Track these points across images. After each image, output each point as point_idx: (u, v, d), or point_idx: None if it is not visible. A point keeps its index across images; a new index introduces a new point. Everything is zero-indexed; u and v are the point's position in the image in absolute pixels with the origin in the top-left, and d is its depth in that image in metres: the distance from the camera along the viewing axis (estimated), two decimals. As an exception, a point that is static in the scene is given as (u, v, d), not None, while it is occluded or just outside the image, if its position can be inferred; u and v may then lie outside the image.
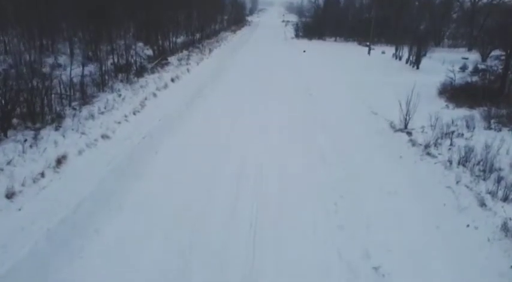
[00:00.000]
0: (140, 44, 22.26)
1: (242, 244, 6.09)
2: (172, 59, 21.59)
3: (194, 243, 6.11)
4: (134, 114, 12.37)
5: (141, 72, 17.19)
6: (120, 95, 13.46)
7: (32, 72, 11.20)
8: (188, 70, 20.21)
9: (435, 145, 9.66)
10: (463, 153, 8.79)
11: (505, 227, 6.28)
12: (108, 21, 18.46)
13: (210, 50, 28.00)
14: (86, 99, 12.36)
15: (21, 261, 5.53)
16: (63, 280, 5.36)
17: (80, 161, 8.83)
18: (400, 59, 29.16)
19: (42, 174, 7.86)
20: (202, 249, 5.99)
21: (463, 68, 23.15)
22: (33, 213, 6.77)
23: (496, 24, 27.20)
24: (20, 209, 6.86)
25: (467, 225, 6.60)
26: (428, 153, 9.30)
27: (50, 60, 16.69)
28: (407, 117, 11.07)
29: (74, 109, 11.37)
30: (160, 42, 22.84)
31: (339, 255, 5.84)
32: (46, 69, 13.73)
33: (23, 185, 7.38)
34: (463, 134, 10.46)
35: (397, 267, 5.68)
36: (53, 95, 11.45)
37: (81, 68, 13.64)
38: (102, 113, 11.59)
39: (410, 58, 27.44)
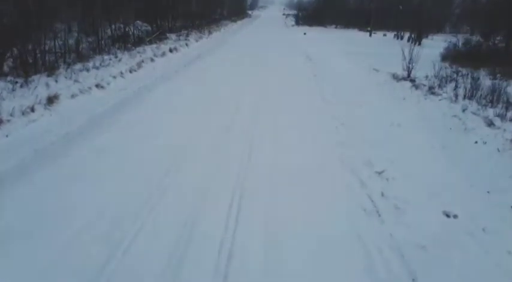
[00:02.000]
0: (139, 22, 22.00)
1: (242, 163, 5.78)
2: (171, 36, 21.33)
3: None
4: (130, 72, 12.11)
5: (138, 42, 16.94)
6: (116, 57, 13.22)
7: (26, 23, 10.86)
8: (187, 45, 19.96)
9: (439, 86, 9.33)
10: (469, 89, 8.47)
11: (516, 140, 5.95)
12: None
13: (210, 32, 27.73)
14: (81, 58, 12.11)
15: (6, 171, 5.27)
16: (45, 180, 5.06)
17: (72, 102, 8.56)
18: (401, 38, 28.88)
19: (32, 109, 7.59)
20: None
21: (466, 43, 22.82)
22: (21, 139, 6.51)
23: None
24: (7, 136, 6.61)
25: (475, 142, 6.27)
26: (433, 93, 8.97)
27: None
28: (410, 66, 10.74)
29: (68, 64, 11.12)
30: (159, 22, 22.65)
31: (340, 162, 5.53)
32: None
33: (11, 115, 7.11)
34: (467, 77, 10.11)
35: (401, 175, 5.34)
36: (46, 55, 11.25)
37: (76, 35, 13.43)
38: (97, 68, 11.31)
39: (412, 36, 27.18)
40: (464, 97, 8.26)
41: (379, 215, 4.16)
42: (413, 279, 3.19)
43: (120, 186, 4.76)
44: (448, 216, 4.39)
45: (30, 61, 10.10)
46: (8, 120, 7.00)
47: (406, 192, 4.81)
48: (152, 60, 14.47)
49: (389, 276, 3.19)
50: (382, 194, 4.65)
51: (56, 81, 9.22)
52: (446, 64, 15.63)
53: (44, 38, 11.08)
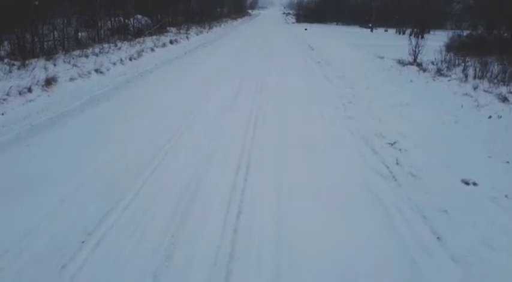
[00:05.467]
0: (139, 16, 21.80)
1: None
2: (172, 29, 21.13)
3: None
4: (130, 60, 11.86)
5: (138, 34, 16.73)
6: (116, 45, 13.00)
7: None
8: (187, 37, 19.75)
9: (448, 69, 9.09)
10: (478, 70, 8.24)
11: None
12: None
13: (210, 27, 27.54)
14: (79, 46, 11.88)
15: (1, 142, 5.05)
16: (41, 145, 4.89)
17: (71, 85, 8.32)
18: (403, 33, 28.65)
19: (29, 89, 7.35)
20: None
21: (470, 35, 22.57)
22: (16, 117, 6.26)
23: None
24: (3, 114, 6.37)
25: (489, 117, 6.03)
26: (441, 74, 8.73)
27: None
28: (417, 50, 10.50)
29: (67, 50, 10.90)
30: (159, 16, 22.46)
31: (351, 133, 5.30)
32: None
33: (7, 94, 6.88)
34: (475, 62, 9.87)
35: (414, 147, 5.09)
36: (44, 43, 11.01)
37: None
38: (97, 54, 11.10)
39: (415, 30, 26.91)
40: (475, 77, 8.02)
41: (396, 180, 3.91)
42: (438, 238, 2.94)
43: (117, 150, 4.65)
44: (467, 183, 4.14)
45: (28, 47, 9.90)
46: (4, 99, 6.75)
47: (420, 162, 4.57)
48: (152, 50, 14.24)
49: (412, 234, 2.95)
50: (397, 162, 4.41)
51: (54, 64, 9.00)
52: (452, 53, 15.46)
53: (42, 28, 10.88)
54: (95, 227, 2.96)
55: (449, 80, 8.21)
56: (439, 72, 8.88)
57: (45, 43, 10.84)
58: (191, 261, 2.62)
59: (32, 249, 2.67)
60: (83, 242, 2.75)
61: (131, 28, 17.21)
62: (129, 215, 3.18)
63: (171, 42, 16.94)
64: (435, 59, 10.17)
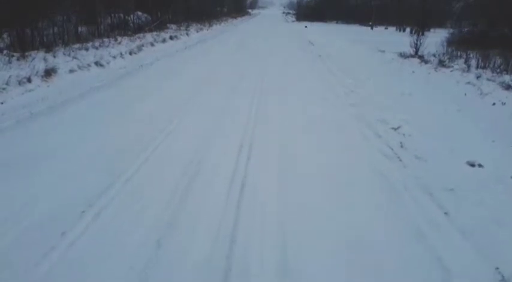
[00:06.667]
0: (139, 13, 21.75)
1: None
2: (172, 26, 21.09)
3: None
4: (130, 54, 11.81)
5: (138, 30, 16.69)
6: (116, 40, 12.95)
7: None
8: (187, 34, 19.74)
9: (450, 59, 9.04)
10: (481, 61, 8.19)
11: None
12: None
13: (210, 25, 27.50)
14: (79, 40, 11.83)
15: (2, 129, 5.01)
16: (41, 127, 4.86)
17: (70, 76, 8.28)
18: (403, 31, 28.61)
19: (29, 80, 7.30)
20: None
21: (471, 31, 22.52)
22: (16, 105, 6.22)
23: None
24: (2, 103, 6.32)
25: (493, 104, 5.98)
26: (443, 65, 8.68)
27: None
28: (418, 43, 10.45)
29: (67, 44, 10.85)
30: (159, 14, 22.42)
31: (355, 118, 5.26)
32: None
33: (7, 83, 6.82)
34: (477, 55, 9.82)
35: (417, 132, 5.03)
36: (44, 37, 10.95)
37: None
38: (96, 48, 11.05)
39: (415, 28, 26.84)
40: (477, 67, 7.97)
41: (401, 160, 3.86)
42: (445, 213, 2.89)
43: (118, 130, 4.69)
44: (472, 165, 4.09)
45: (28, 39, 9.84)
46: (4, 88, 6.70)
47: (425, 146, 4.51)
48: (152, 44, 14.20)
49: (419, 209, 2.90)
50: (401, 145, 4.35)
51: (54, 56, 8.95)
52: (453, 48, 15.39)
53: (42, 24, 10.82)
54: (97, 199, 2.94)
55: (451, 71, 8.17)
56: (441, 63, 8.84)
57: (44, 37, 10.79)
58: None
59: (31, 218, 2.63)
60: (83, 211, 2.70)
61: (131, 24, 17.16)
62: (131, 188, 3.16)
63: (171, 38, 16.89)
64: (436, 51, 10.11)
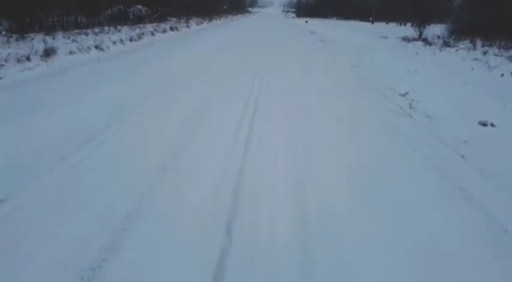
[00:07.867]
0: (139, 6, 21.66)
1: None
2: (172, 19, 20.99)
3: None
4: (130, 41, 11.67)
5: (138, 21, 16.57)
6: (116, 28, 12.83)
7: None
8: (188, 26, 19.61)
9: (454, 40, 8.92)
10: (486, 40, 8.07)
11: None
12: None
13: (210, 20, 27.39)
14: (79, 27, 11.72)
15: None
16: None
17: (70, 58, 8.14)
18: (404, 25, 28.51)
19: (28, 58, 7.17)
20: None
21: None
22: (15, 81, 6.15)
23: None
24: (1, 78, 6.23)
25: (502, 75, 5.86)
26: (448, 46, 8.56)
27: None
28: (422, 28, 10.33)
29: (66, 29, 10.73)
30: (159, 8, 22.33)
31: (364, 85, 5.17)
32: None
33: (5, 60, 6.70)
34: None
35: (425, 99, 4.90)
36: (43, 23, 10.83)
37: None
38: (97, 34, 10.92)
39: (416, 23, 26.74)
40: (483, 46, 7.85)
41: (411, 117, 3.74)
42: (462, 156, 2.77)
43: (118, 89, 4.81)
44: (485, 125, 3.97)
45: (27, 23, 9.73)
46: (2, 65, 6.58)
47: (434, 109, 4.38)
48: (153, 34, 14.06)
49: (436, 152, 2.78)
50: (411, 106, 4.24)
51: (54, 39, 8.82)
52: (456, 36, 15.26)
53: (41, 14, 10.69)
54: (98, 133, 2.92)
55: (456, 50, 8.06)
56: (446, 44, 8.72)
57: (43, 24, 10.67)
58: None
59: (30, 146, 2.56)
60: (84, 142, 2.60)
61: (131, 15, 17.04)
62: (133, 129, 3.09)
63: (171, 29, 16.77)
64: (441, 33, 10.00)
